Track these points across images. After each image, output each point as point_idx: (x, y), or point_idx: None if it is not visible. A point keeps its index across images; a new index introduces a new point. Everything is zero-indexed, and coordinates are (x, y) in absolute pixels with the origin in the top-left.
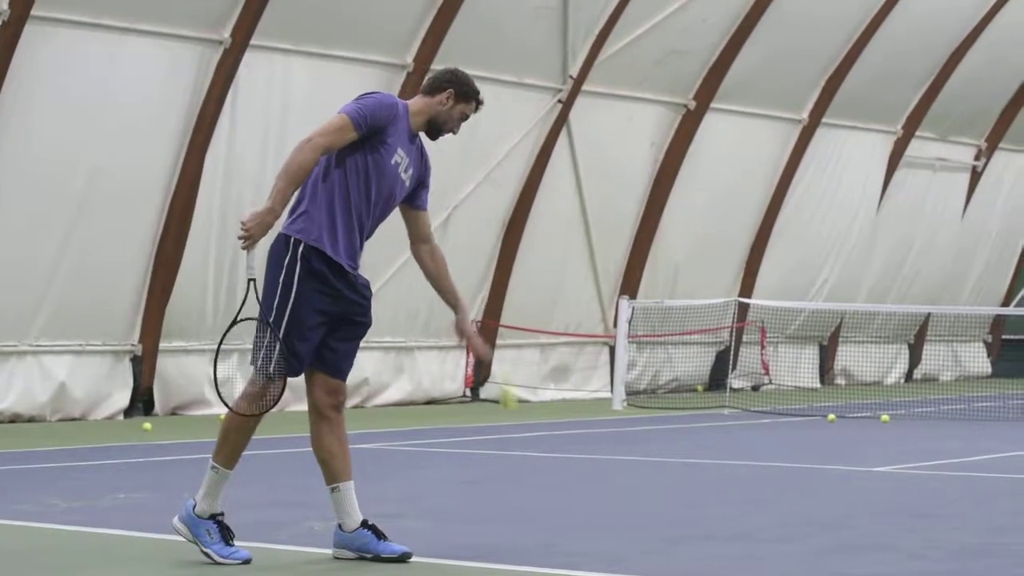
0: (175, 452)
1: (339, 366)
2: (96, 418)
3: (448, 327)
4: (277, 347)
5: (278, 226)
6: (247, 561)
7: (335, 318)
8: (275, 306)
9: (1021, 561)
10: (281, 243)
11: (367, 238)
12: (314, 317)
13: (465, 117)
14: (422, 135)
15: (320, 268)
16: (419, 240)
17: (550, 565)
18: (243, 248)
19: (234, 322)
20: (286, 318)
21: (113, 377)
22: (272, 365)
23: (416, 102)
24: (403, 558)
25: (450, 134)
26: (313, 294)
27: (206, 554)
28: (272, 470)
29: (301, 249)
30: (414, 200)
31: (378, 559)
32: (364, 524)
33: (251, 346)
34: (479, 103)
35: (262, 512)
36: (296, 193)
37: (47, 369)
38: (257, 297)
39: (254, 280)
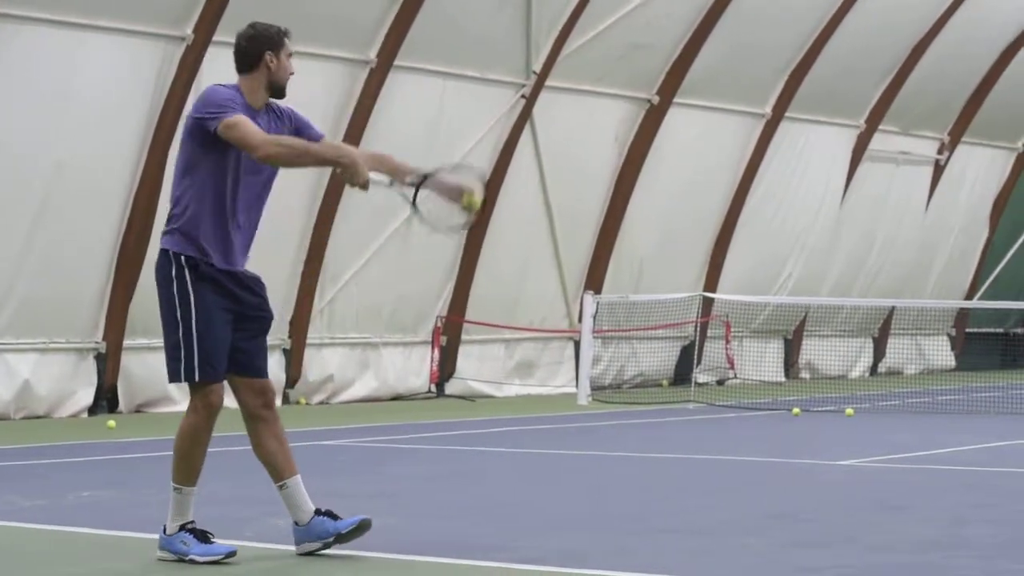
0: (139, 450)
1: (254, 364)
2: (60, 416)
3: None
4: (195, 354)
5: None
6: (232, 554)
7: (236, 317)
8: (179, 317)
9: (981, 553)
10: (164, 258)
11: (247, 226)
12: (220, 315)
13: (290, 55)
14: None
15: (207, 272)
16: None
17: (515, 560)
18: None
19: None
20: (193, 323)
21: (77, 375)
22: (197, 372)
23: (245, 83)
24: (363, 525)
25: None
26: (210, 295)
27: (192, 561)
28: (232, 467)
29: (184, 260)
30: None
31: (340, 538)
32: (317, 512)
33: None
34: (289, 35)
35: (225, 508)
36: (170, 206)
37: (11, 367)
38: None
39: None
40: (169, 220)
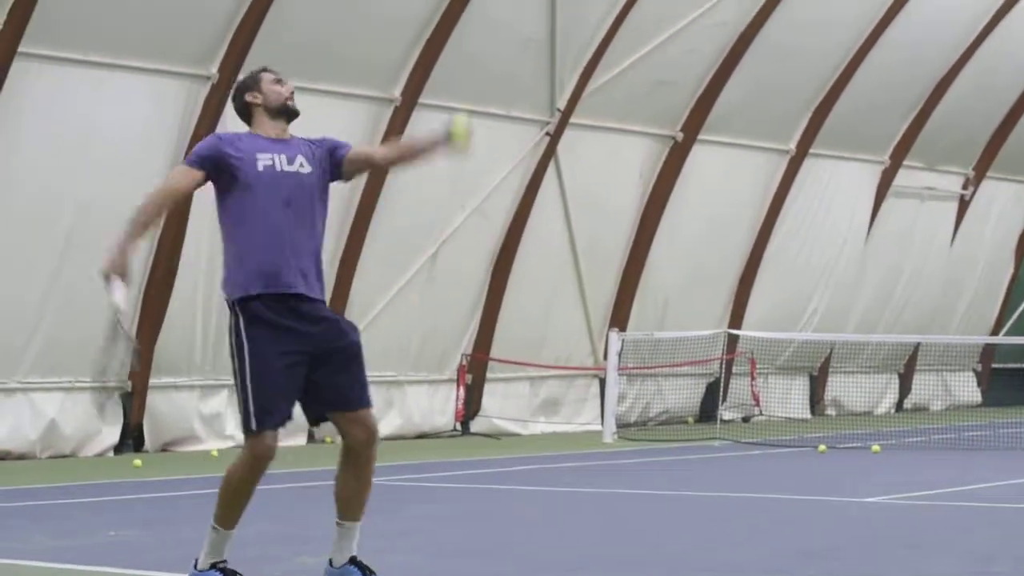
0: (166, 489)
1: (347, 397)
2: (86, 455)
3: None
4: (251, 404)
5: None
6: None
7: (311, 356)
8: (236, 368)
9: None
10: (228, 309)
11: (298, 250)
12: (278, 360)
13: (279, 81)
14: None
15: (260, 313)
16: (373, 162)
17: None
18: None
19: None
20: (248, 371)
21: (103, 414)
22: (252, 421)
23: (254, 129)
24: None
25: (288, 99)
26: (265, 340)
27: None
28: (265, 503)
29: (236, 305)
30: (339, 160)
31: None
32: (352, 560)
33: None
34: (264, 71)
35: (255, 548)
36: None
37: (36, 406)
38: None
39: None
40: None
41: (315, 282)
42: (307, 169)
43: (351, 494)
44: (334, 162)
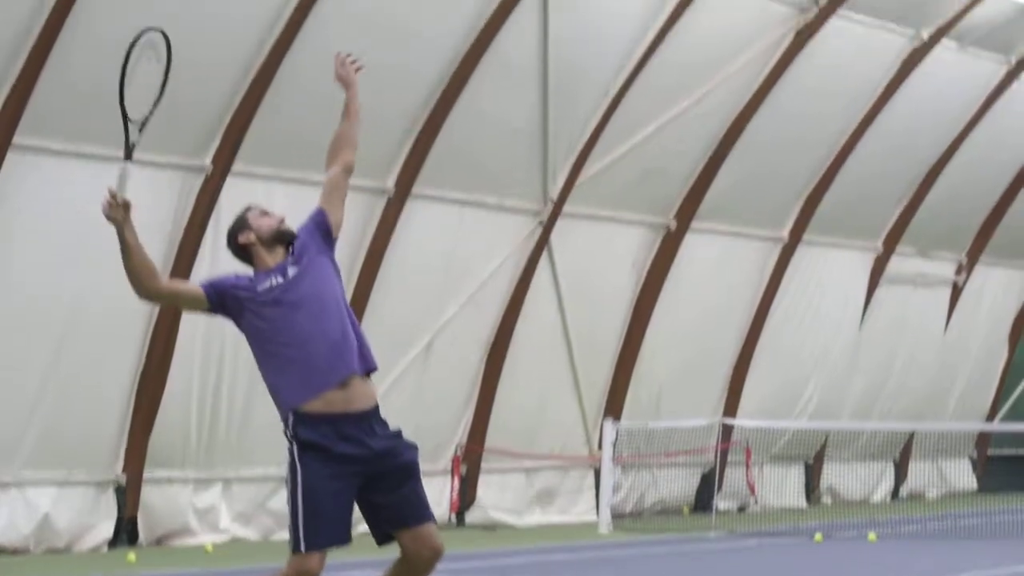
0: None
1: (404, 515)
2: (80, 549)
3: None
4: (300, 527)
5: None
6: None
7: (365, 478)
8: (289, 491)
9: None
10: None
11: (340, 345)
12: (329, 485)
13: (265, 213)
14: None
15: (309, 436)
16: (333, 179)
17: None
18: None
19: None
20: (300, 494)
21: (97, 507)
22: (301, 545)
23: (256, 268)
24: None
25: (279, 225)
26: (316, 463)
27: None
28: None
29: (289, 430)
30: (319, 220)
31: None
32: None
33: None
34: (248, 209)
35: None
36: None
37: (30, 500)
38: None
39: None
40: None
41: (355, 363)
42: (310, 270)
43: None
44: (318, 223)
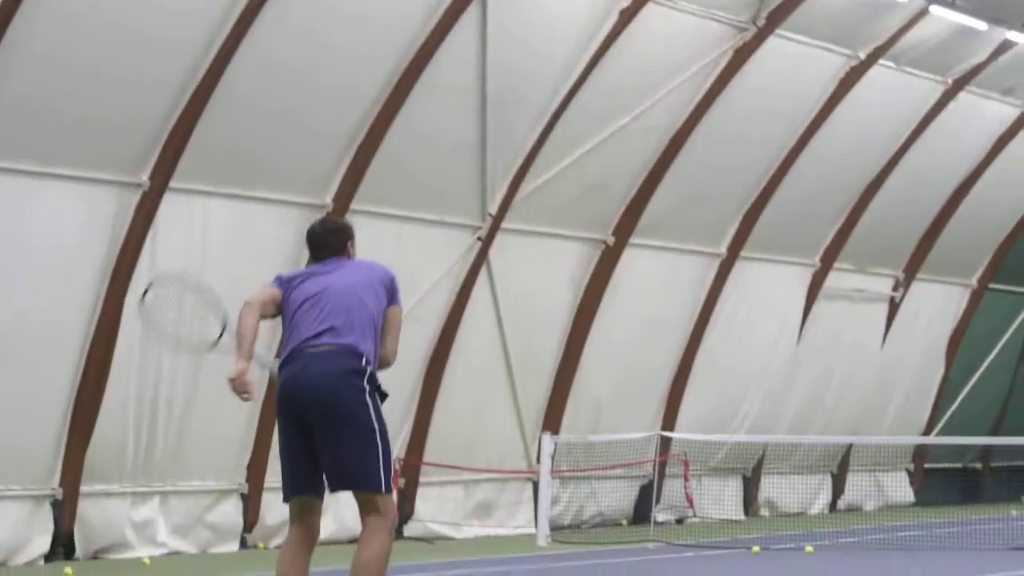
0: None
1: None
2: (16, 563)
3: None
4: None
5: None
6: None
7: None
8: (381, 433)
9: None
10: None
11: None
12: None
13: None
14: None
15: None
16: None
17: None
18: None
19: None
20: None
21: (33, 522)
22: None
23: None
24: None
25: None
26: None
27: None
28: None
29: (372, 382)
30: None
31: None
32: None
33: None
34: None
35: None
36: None
37: None
38: None
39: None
40: None
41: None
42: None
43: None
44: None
